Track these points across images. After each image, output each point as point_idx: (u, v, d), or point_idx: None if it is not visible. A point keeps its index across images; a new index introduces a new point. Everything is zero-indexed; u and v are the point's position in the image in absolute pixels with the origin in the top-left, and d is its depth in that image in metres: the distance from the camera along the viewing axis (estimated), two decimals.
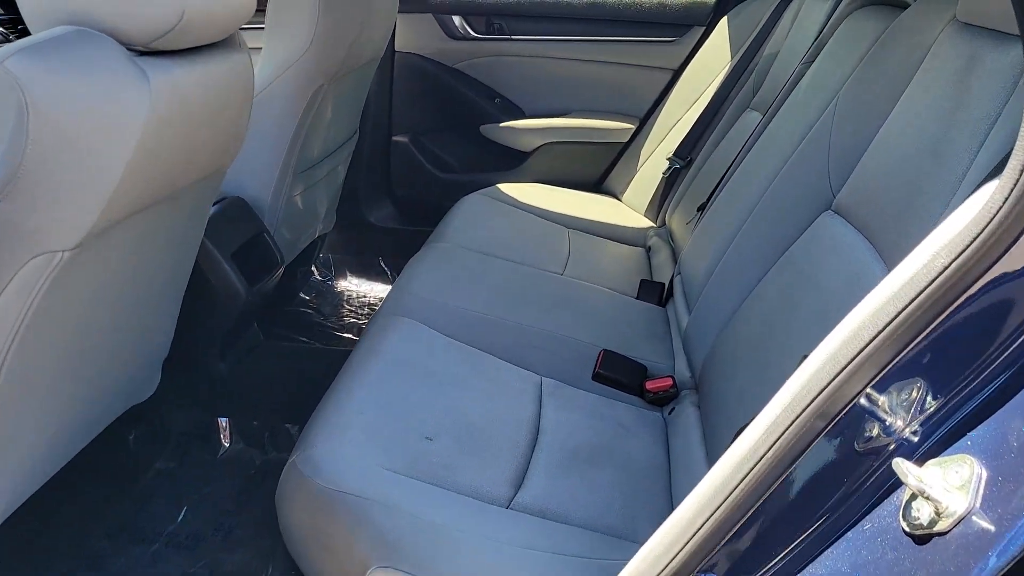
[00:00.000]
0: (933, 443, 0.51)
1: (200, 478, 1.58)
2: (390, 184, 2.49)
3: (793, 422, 0.55)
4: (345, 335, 2.23)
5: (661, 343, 1.53)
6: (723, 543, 0.59)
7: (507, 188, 2.24)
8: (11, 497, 1.07)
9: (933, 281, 0.50)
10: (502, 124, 2.40)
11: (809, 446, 0.56)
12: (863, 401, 0.54)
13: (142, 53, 0.94)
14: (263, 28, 1.66)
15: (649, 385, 1.36)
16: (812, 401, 0.55)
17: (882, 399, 0.53)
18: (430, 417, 1.14)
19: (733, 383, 1.18)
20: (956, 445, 0.49)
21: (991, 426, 0.48)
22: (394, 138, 2.43)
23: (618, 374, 1.38)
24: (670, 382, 1.36)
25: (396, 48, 2.32)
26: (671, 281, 1.74)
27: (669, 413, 1.34)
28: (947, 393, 0.51)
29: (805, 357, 0.59)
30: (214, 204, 1.61)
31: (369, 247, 2.50)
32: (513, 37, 2.37)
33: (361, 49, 1.76)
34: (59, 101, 0.84)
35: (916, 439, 0.51)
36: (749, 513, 0.58)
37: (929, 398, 0.51)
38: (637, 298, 1.74)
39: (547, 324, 1.48)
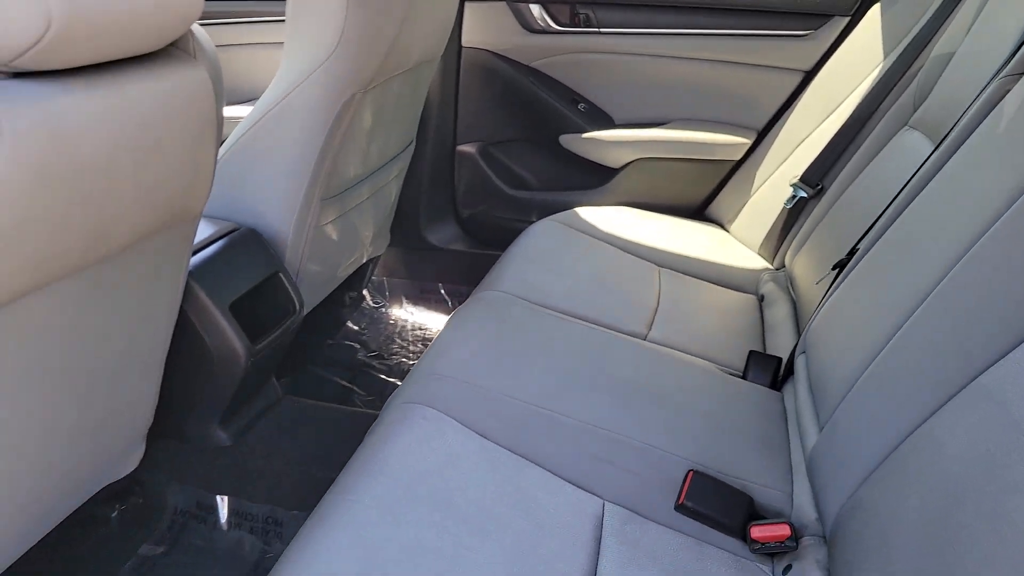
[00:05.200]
0: None
1: (189, 567, 1.31)
2: (454, 201, 2.15)
3: None
4: (390, 380, 1.93)
5: (776, 456, 1.12)
6: None
7: (587, 212, 1.87)
8: None
9: None
10: (586, 135, 2.01)
11: None
12: None
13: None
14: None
15: (756, 532, 0.96)
16: None
17: None
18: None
19: (894, 563, 0.77)
20: None
21: None
22: (459, 148, 2.09)
23: (711, 509, 0.99)
24: (787, 531, 0.96)
25: (463, 43, 1.98)
26: (791, 358, 1.33)
27: (784, 573, 0.95)
28: None
29: None
30: (221, 238, 1.34)
31: (428, 271, 2.19)
32: (602, 30, 1.95)
33: (406, 50, 1.43)
34: None
35: None
36: None
37: None
38: (744, 375, 1.34)
39: (617, 421, 1.11)
